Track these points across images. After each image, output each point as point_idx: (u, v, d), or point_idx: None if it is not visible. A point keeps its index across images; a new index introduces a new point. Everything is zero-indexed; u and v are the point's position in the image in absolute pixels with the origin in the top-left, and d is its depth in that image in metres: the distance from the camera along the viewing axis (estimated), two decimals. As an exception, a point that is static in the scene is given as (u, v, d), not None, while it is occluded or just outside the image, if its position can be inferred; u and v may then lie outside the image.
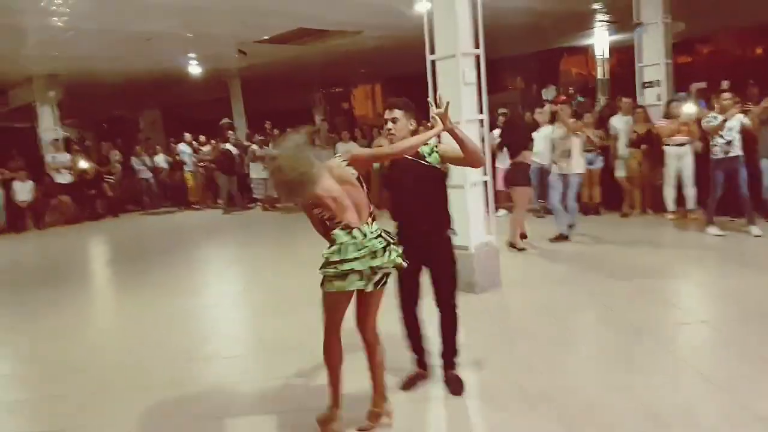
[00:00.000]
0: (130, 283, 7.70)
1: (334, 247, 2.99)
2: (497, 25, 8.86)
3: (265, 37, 11.26)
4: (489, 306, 5.41)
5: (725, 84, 9.39)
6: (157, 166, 14.97)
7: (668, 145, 8.18)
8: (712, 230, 7.42)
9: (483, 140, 6.08)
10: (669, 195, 8.41)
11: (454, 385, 3.71)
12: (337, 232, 3.00)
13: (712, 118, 7.32)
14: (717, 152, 7.25)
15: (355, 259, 2.97)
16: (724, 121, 7.11)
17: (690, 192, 8.25)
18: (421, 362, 3.88)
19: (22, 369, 4.98)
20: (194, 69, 13.96)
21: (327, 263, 3.01)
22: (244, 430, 3.56)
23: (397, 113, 3.48)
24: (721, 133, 7.15)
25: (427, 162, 3.52)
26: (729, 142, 7.16)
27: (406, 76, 17.99)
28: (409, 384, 3.80)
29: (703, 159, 7.96)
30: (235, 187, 13.77)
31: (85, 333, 5.71)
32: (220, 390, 4.06)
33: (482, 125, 5.96)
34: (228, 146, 13.58)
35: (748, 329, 4.38)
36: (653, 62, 9.52)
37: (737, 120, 7.21)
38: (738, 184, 7.24)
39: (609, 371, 3.90)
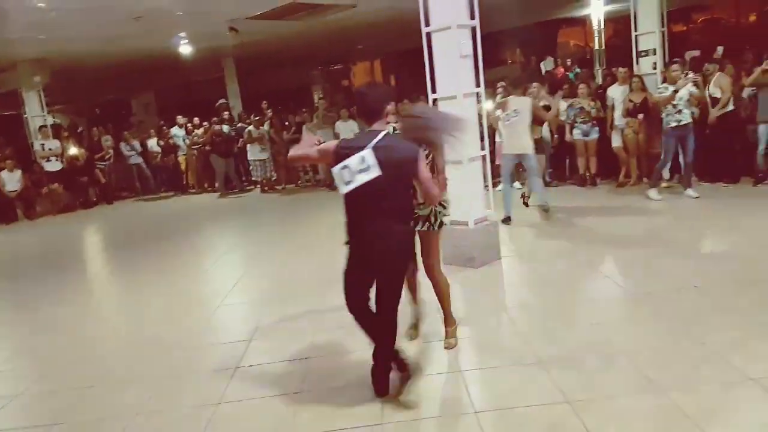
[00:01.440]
0: (125, 272, 7.60)
1: None
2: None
3: (258, 13, 11.04)
4: (487, 279, 5.42)
5: (720, 50, 9.32)
6: (149, 150, 14.71)
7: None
8: (653, 194, 7.76)
9: (480, 115, 6.00)
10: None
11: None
12: None
13: (663, 89, 7.68)
14: (669, 121, 7.60)
15: None
16: (675, 91, 7.46)
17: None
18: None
19: (18, 362, 4.92)
20: (186, 49, 13.69)
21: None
22: (242, 416, 3.53)
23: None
24: (673, 102, 7.49)
25: None
26: (680, 111, 7.52)
27: (405, 51, 17.82)
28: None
29: (697, 126, 8.09)
30: (231, 169, 13.62)
31: (82, 324, 5.64)
32: (218, 377, 4.02)
33: (479, 99, 5.89)
34: (223, 127, 13.38)
35: (738, 293, 4.47)
36: (648, 30, 9.41)
37: (686, 90, 7.54)
38: (687, 151, 7.70)
39: (607, 339, 3.91)
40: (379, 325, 3.42)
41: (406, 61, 19.03)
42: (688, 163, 7.81)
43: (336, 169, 3.20)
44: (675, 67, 7.77)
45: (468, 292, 5.11)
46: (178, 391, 3.92)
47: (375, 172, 3.15)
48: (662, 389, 3.20)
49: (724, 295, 4.45)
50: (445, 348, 3.99)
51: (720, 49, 9.36)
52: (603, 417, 3.04)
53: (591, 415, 3.05)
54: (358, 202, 3.26)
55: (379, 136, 3.22)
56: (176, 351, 4.58)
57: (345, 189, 3.21)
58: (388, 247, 3.28)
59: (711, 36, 17.69)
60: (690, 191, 7.72)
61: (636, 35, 9.59)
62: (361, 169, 3.16)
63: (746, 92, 8.16)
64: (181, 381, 4.07)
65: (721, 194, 7.82)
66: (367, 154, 3.16)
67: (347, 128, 12.01)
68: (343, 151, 3.22)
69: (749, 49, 9.29)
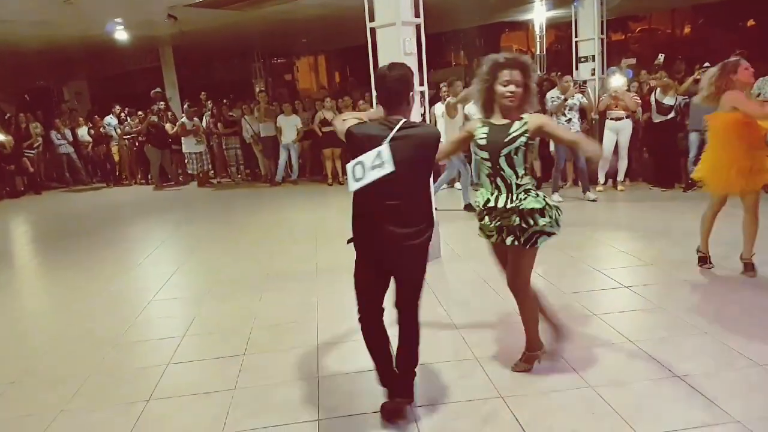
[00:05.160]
0: (53, 266, 7.31)
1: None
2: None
3: (198, 1, 10.73)
4: (427, 277, 5.36)
5: (661, 57, 9.69)
6: (80, 139, 14.13)
7: (608, 119, 8.41)
8: (555, 197, 8.06)
9: (424, 114, 6.01)
10: (602, 168, 8.64)
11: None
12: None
13: (557, 98, 8.16)
14: None
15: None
16: (565, 100, 7.98)
17: (623, 164, 8.57)
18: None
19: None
20: (122, 36, 13.18)
21: None
22: (173, 413, 3.41)
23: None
24: (564, 111, 8.00)
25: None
26: (569, 120, 8.02)
27: (352, 47, 17.74)
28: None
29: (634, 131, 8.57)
30: (167, 161, 13.22)
31: (5, 319, 5.36)
32: (149, 374, 3.90)
33: (423, 98, 5.88)
34: (154, 118, 12.95)
35: (666, 293, 4.65)
36: (588, 37, 9.68)
37: (576, 100, 8.09)
38: (577, 157, 8.19)
39: (541, 337, 3.91)
40: (406, 333, 3.09)
41: (353, 58, 18.99)
42: (582, 168, 8.26)
43: (349, 166, 2.86)
44: (567, 78, 8.33)
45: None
46: (106, 388, 3.77)
47: (388, 168, 2.80)
48: (592, 385, 3.28)
49: (653, 295, 4.60)
50: (513, 370, 3.53)
51: (661, 57, 9.74)
52: (535, 412, 3.09)
53: (524, 410, 3.09)
54: (368, 202, 2.93)
55: (398, 126, 2.86)
56: (106, 347, 4.39)
57: (355, 186, 2.86)
58: (401, 257, 3.00)
59: (647, 45, 18.45)
60: (589, 194, 8.18)
61: (576, 41, 9.86)
62: (374, 165, 2.81)
63: (678, 100, 8.50)
64: (110, 377, 3.92)
65: (654, 198, 8.13)
66: (384, 148, 2.81)
67: (290, 123, 11.86)
68: (360, 140, 2.89)
69: (681, 59, 9.71)
